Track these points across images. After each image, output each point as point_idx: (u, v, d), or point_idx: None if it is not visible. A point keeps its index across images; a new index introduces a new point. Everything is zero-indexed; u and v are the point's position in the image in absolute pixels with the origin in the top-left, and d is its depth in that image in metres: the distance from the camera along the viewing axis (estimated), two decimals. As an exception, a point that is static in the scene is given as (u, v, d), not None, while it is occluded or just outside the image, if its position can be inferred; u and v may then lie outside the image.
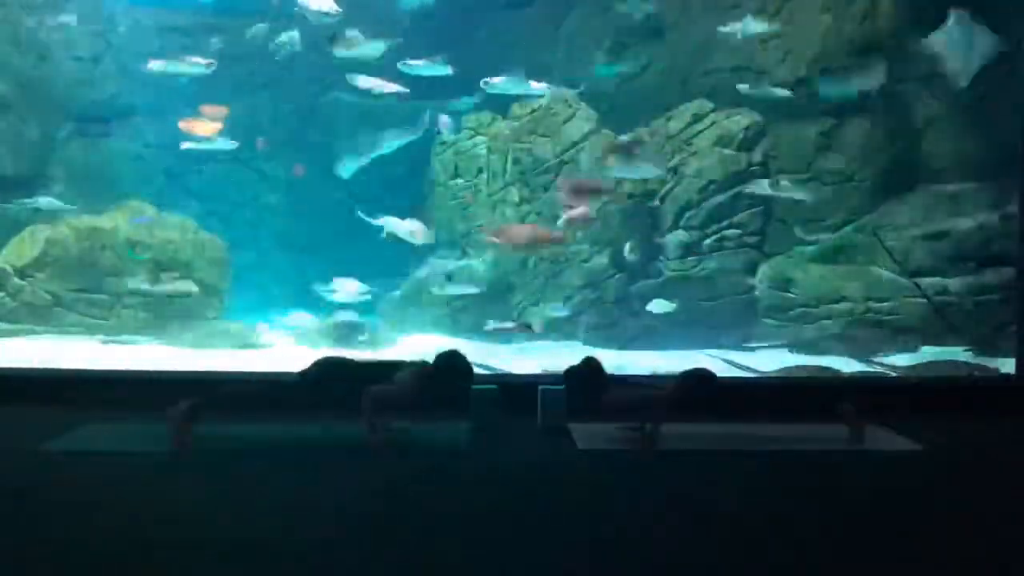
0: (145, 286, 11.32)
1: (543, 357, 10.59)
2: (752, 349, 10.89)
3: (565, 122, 12.08)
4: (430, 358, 6.32)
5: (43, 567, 3.93)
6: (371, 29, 11.04)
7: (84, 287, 11.53)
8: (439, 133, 11.99)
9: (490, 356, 10.34)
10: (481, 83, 10.96)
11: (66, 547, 4.13)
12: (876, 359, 10.06)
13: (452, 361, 6.25)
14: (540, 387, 6.73)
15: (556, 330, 11.69)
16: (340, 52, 10.84)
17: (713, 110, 11.91)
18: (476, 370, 8.98)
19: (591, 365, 6.51)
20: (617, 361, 10.08)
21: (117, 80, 12.42)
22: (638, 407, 6.28)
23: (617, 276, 11.76)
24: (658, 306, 10.99)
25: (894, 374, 9.34)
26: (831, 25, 11.60)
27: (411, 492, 5.12)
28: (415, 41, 11.33)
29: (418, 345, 10.71)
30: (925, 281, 10.90)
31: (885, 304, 11.11)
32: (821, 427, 6.38)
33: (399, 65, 10.86)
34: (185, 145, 11.55)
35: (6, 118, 12.13)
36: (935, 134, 11.39)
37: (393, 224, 11.05)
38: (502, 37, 12.74)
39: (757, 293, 11.59)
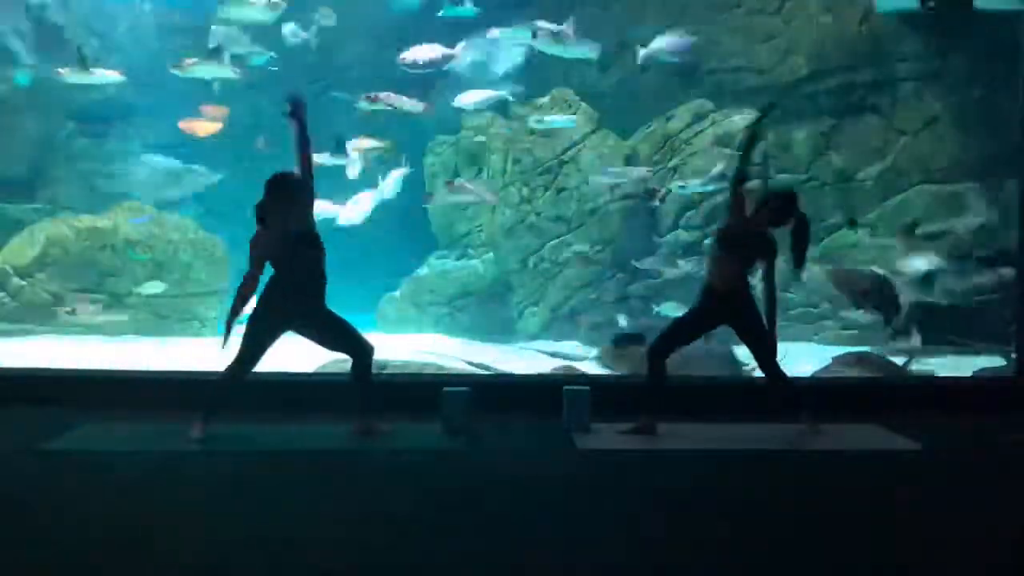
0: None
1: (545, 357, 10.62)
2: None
3: (565, 122, 12.09)
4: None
5: (43, 567, 3.92)
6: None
7: (84, 287, 11.54)
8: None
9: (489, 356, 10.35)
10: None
11: (66, 547, 4.13)
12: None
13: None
14: (565, 388, 6.66)
15: (557, 330, 11.72)
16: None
17: (713, 110, 11.92)
18: (475, 371, 9.04)
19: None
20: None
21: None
22: None
23: (617, 276, 11.76)
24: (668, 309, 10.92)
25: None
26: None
27: (409, 492, 5.12)
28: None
29: (418, 344, 10.71)
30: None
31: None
32: (820, 427, 6.37)
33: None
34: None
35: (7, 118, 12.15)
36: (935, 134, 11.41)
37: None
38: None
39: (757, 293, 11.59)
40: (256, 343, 6.04)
